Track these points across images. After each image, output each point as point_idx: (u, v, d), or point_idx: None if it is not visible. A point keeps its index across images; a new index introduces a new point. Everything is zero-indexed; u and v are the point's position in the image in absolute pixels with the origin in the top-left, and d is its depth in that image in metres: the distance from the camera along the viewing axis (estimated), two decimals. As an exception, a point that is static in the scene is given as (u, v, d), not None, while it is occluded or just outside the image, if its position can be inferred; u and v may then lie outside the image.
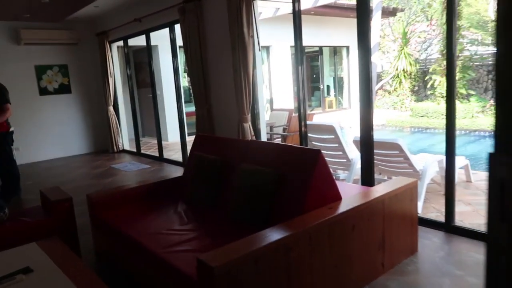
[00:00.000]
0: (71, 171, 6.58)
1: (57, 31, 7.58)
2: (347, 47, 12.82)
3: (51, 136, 7.87)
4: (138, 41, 7.15)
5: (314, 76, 13.46)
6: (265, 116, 5.15)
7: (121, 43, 7.71)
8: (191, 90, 6.25)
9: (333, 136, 4.37)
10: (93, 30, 8.00)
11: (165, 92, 9.07)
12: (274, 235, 1.97)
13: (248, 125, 4.69)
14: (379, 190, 2.61)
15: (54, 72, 7.83)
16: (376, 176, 4.83)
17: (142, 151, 7.84)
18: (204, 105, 5.34)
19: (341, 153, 4.47)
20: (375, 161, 4.69)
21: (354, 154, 4.47)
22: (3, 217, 2.94)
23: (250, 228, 2.35)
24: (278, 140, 6.17)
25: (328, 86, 13.66)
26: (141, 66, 9.91)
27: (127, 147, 8.34)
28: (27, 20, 7.18)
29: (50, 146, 7.87)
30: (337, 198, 2.45)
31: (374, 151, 4.55)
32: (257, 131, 4.94)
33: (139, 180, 5.75)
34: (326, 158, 4.79)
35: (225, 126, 5.20)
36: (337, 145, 4.42)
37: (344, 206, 2.34)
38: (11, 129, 4.82)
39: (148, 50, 7.01)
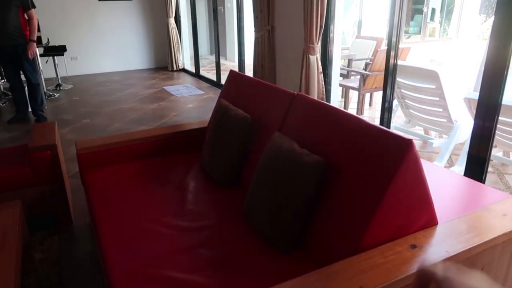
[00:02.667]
0: (121, 89, 6.03)
1: None
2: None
3: (110, 48, 7.33)
4: None
5: (418, -5, 11.12)
6: (340, 46, 3.90)
7: None
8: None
9: (433, 86, 3.06)
10: None
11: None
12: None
13: (315, 58, 3.52)
14: None
15: (114, -26, 7.02)
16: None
17: (204, 72, 7.03)
18: (265, 25, 4.19)
19: (441, 110, 3.17)
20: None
21: (459, 115, 3.17)
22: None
23: (270, 248, 1.46)
24: (356, 79, 4.87)
25: (433, 10, 11.27)
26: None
27: (188, 66, 7.57)
28: None
29: (109, 58, 7.37)
30: (429, 222, 1.37)
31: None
32: (327, 66, 3.76)
33: (186, 107, 5.00)
34: (418, 114, 3.57)
35: (289, 56, 4.07)
36: (437, 99, 3.12)
37: (444, 244, 1.27)
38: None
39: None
